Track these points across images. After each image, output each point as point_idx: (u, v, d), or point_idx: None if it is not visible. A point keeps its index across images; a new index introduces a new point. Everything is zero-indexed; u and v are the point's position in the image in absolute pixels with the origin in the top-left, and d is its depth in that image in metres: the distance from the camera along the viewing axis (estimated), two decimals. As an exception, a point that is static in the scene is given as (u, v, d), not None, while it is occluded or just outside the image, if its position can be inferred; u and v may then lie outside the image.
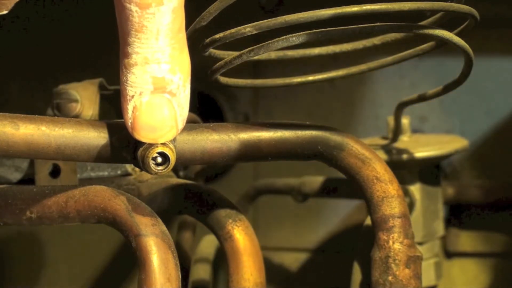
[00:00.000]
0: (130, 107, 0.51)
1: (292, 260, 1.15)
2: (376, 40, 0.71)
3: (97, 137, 0.55)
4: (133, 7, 0.48)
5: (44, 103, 0.82)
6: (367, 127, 1.11)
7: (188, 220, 0.95)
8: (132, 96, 0.51)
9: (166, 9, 0.48)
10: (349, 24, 0.56)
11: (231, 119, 1.15)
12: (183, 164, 0.87)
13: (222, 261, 0.96)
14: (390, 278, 0.60)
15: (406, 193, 0.90)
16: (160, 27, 0.49)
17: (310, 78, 0.72)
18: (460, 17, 0.61)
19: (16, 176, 0.77)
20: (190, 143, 0.58)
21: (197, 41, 0.59)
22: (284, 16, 0.54)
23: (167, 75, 0.50)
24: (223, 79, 0.68)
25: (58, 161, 0.74)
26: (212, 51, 0.64)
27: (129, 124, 0.52)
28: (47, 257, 1.21)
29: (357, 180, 0.62)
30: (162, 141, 0.53)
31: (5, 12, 0.54)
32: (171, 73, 0.50)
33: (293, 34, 0.56)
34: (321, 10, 0.54)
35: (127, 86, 0.51)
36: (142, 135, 0.52)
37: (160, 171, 0.54)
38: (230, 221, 0.67)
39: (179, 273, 0.55)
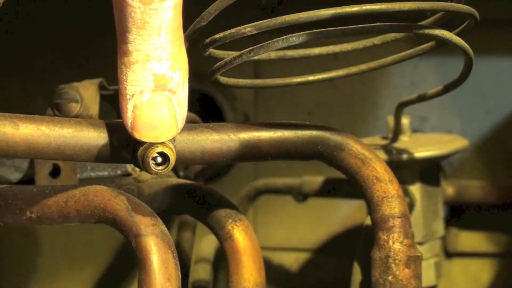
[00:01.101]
0: (130, 106, 0.51)
1: (292, 260, 1.15)
2: (376, 40, 0.71)
3: (97, 137, 0.55)
4: (136, 3, 0.48)
5: (44, 103, 0.82)
6: (367, 127, 1.11)
7: (188, 220, 0.95)
8: (133, 95, 0.51)
9: (169, 5, 0.48)
10: (349, 24, 0.56)
11: (231, 119, 1.15)
12: (183, 164, 0.87)
13: (222, 261, 0.96)
14: (390, 278, 0.60)
15: (406, 193, 0.90)
16: (162, 23, 0.48)
17: (310, 78, 0.72)
18: (460, 17, 0.60)
19: (16, 176, 0.77)
20: (190, 143, 0.58)
21: (197, 41, 0.59)
22: (284, 16, 0.54)
23: (168, 72, 0.50)
24: (223, 79, 0.68)
25: (58, 161, 0.74)
26: (212, 51, 0.64)
27: (129, 123, 0.52)
28: (47, 257, 1.21)
29: (357, 180, 0.62)
30: (162, 140, 0.53)
31: None
32: (172, 70, 0.50)
33: (293, 34, 0.56)
34: (321, 10, 0.54)
35: (127, 85, 0.51)
36: (143, 134, 0.52)
37: (160, 171, 0.54)
38: (230, 221, 0.67)
39: (179, 273, 0.55)
